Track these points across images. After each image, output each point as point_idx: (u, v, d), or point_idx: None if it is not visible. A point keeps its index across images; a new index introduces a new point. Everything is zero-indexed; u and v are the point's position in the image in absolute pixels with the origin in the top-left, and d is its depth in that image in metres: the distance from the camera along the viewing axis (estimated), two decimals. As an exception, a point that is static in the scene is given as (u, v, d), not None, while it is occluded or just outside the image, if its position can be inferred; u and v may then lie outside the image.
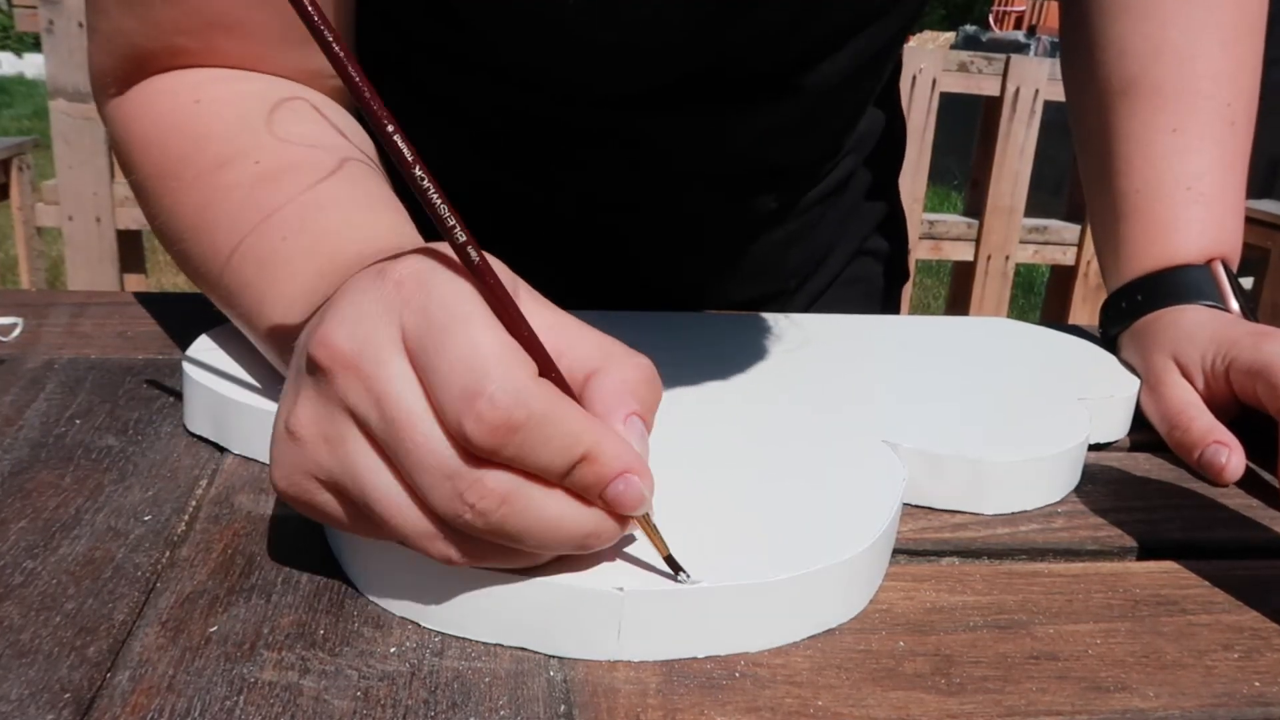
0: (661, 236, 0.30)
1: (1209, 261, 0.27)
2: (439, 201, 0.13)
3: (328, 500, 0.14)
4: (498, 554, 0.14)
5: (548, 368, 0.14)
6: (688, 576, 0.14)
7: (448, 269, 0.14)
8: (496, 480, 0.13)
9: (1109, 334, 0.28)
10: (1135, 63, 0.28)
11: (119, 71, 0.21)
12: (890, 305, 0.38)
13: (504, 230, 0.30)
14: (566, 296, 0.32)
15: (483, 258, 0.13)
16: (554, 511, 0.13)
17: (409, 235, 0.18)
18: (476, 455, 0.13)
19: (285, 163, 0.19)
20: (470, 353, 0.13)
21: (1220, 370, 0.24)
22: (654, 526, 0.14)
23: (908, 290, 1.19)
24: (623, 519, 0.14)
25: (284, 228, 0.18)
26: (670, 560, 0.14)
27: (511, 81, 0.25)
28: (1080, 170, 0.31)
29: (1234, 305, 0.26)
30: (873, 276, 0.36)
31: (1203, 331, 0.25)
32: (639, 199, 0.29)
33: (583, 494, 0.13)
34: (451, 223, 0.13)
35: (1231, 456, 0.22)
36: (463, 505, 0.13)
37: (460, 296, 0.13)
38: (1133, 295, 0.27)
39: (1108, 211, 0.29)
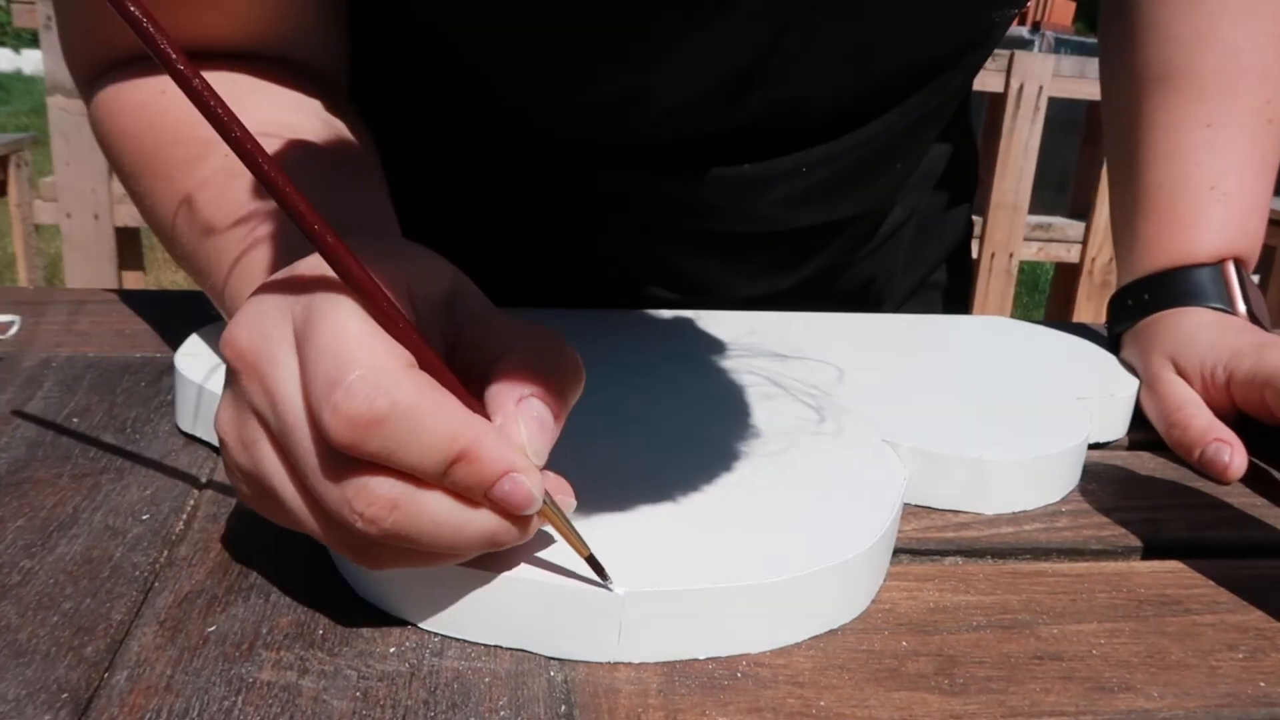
0: (691, 289, 0.29)
1: (1221, 261, 0.26)
2: (287, 189, 0.12)
3: (255, 498, 0.14)
4: (406, 557, 0.13)
5: (425, 358, 0.12)
6: (612, 585, 0.13)
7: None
8: (384, 486, 0.12)
9: (1113, 331, 0.28)
10: (1178, 51, 0.27)
11: (90, 64, 0.21)
12: None
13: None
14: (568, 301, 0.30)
15: (340, 244, 0.12)
16: (452, 516, 0.12)
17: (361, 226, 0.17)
18: (351, 455, 0.12)
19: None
20: (333, 339, 0.12)
21: (1221, 381, 0.23)
22: (568, 525, 0.13)
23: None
24: (525, 519, 0.13)
25: (249, 228, 0.17)
26: (592, 561, 0.13)
27: (535, 136, 0.25)
28: (1106, 158, 0.30)
29: (1240, 308, 0.26)
30: (933, 310, 0.35)
31: (1203, 336, 0.24)
32: (667, 253, 0.28)
33: (466, 495, 0.12)
34: (302, 209, 0.12)
35: (1234, 454, 0.22)
36: (353, 514, 0.12)
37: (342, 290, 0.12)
38: (1139, 294, 0.27)
39: (1129, 203, 0.28)
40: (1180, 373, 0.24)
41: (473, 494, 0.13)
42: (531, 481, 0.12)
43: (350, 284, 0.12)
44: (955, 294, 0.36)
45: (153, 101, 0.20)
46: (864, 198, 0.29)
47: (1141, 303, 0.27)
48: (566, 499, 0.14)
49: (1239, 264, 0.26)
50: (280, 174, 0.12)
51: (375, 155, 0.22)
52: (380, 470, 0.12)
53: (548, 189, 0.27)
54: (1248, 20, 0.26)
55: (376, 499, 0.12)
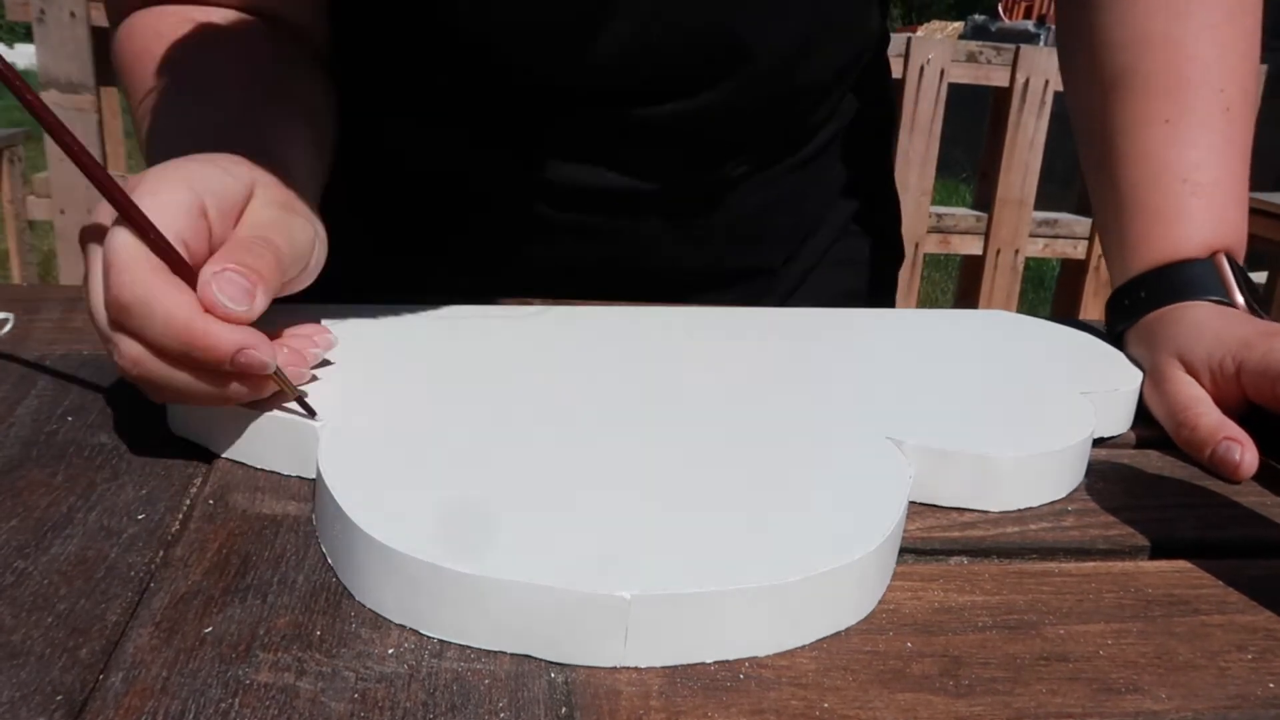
0: (628, 205, 0.30)
1: (1212, 254, 0.26)
2: (68, 138, 0.16)
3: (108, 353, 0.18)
4: (175, 396, 0.18)
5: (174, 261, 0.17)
6: (317, 416, 0.18)
7: (171, 179, 0.18)
8: (127, 344, 0.17)
9: (1115, 330, 0.28)
10: (1123, 54, 0.27)
11: (117, 6, 0.27)
12: (883, 286, 0.37)
13: (463, 213, 0.31)
14: (548, 285, 0.33)
15: (107, 177, 0.17)
16: (181, 378, 0.17)
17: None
18: (120, 324, 0.17)
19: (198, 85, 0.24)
20: (112, 243, 0.17)
21: (1230, 371, 0.23)
22: (284, 378, 0.18)
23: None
24: (258, 380, 0.18)
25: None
26: (301, 402, 0.18)
27: (474, 64, 0.28)
28: (1081, 166, 0.30)
29: (1239, 299, 0.26)
30: (863, 255, 0.36)
31: (1207, 329, 0.24)
32: (600, 166, 0.29)
33: (214, 372, 0.17)
34: (76, 149, 0.17)
35: (1245, 453, 0.21)
36: (116, 358, 0.17)
37: (142, 202, 0.17)
38: (1135, 292, 0.27)
39: (1108, 207, 0.28)
40: (1188, 368, 0.24)
41: (219, 370, 0.17)
42: (264, 351, 0.17)
43: (121, 207, 0.17)
44: (883, 239, 0.37)
45: (151, 39, 0.25)
46: (781, 117, 0.31)
47: (1139, 300, 0.27)
48: (311, 350, 0.19)
49: (1229, 256, 0.26)
50: (72, 138, 0.17)
51: (313, 100, 0.26)
52: (136, 337, 0.17)
53: (508, 109, 0.29)
54: (1184, 17, 0.27)
55: (123, 355, 0.17)
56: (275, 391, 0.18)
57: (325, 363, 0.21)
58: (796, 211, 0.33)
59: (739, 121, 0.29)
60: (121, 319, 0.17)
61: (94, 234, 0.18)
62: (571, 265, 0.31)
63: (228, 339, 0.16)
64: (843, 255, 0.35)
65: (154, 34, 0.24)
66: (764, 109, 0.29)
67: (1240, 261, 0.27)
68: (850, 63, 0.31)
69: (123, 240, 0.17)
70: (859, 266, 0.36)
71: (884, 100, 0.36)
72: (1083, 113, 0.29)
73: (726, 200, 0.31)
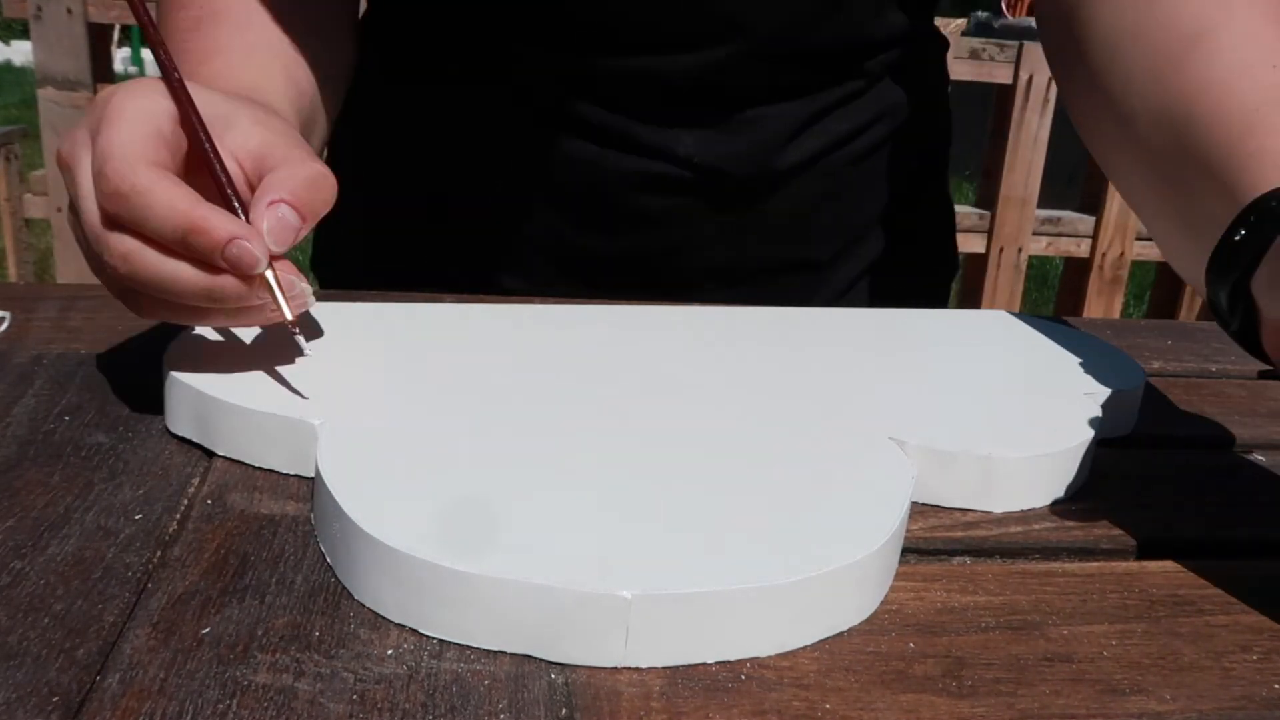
0: (683, 190, 0.30)
1: None
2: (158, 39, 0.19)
3: (86, 257, 0.19)
4: (162, 309, 0.18)
5: (201, 152, 0.18)
6: (303, 340, 0.19)
7: (143, 89, 0.19)
8: (118, 240, 0.17)
9: (1226, 279, 0.19)
10: (1197, 21, 0.23)
11: None
12: (936, 295, 0.37)
13: (495, 200, 0.31)
14: (574, 277, 0.32)
15: (181, 80, 0.19)
16: (170, 268, 0.17)
17: (259, 89, 0.23)
18: (118, 223, 0.17)
19: (209, 12, 0.25)
20: (104, 142, 0.17)
21: None
22: (276, 290, 0.18)
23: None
24: (247, 279, 0.18)
25: (186, 67, 0.23)
26: (298, 330, 0.19)
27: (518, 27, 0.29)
28: (1142, 128, 0.23)
29: None
30: (914, 266, 0.35)
31: None
32: (641, 135, 0.29)
33: (206, 260, 0.17)
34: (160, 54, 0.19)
35: None
36: (107, 260, 0.18)
37: (125, 106, 0.18)
38: (1267, 203, 0.18)
39: (1207, 145, 0.21)
40: None
41: (212, 259, 0.17)
42: (256, 247, 0.17)
43: (170, 86, 0.19)
44: (936, 251, 0.36)
45: None
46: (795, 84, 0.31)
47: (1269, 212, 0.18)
48: (303, 284, 0.19)
49: None
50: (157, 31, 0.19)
51: (313, 58, 0.26)
52: (128, 231, 0.17)
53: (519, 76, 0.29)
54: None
55: (113, 250, 0.18)
56: (269, 313, 0.18)
57: (325, 360, 0.21)
58: (845, 208, 0.33)
59: (755, 84, 0.29)
60: (118, 209, 0.17)
61: (78, 143, 0.18)
62: (621, 256, 0.30)
63: (224, 226, 0.17)
64: (892, 263, 0.34)
65: None
66: (774, 74, 0.29)
67: None
68: (865, 46, 0.31)
69: (118, 136, 0.17)
70: (912, 275, 0.35)
71: (940, 108, 0.35)
72: (1140, 88, 0.23)
73: (780, 191, 0.31)
